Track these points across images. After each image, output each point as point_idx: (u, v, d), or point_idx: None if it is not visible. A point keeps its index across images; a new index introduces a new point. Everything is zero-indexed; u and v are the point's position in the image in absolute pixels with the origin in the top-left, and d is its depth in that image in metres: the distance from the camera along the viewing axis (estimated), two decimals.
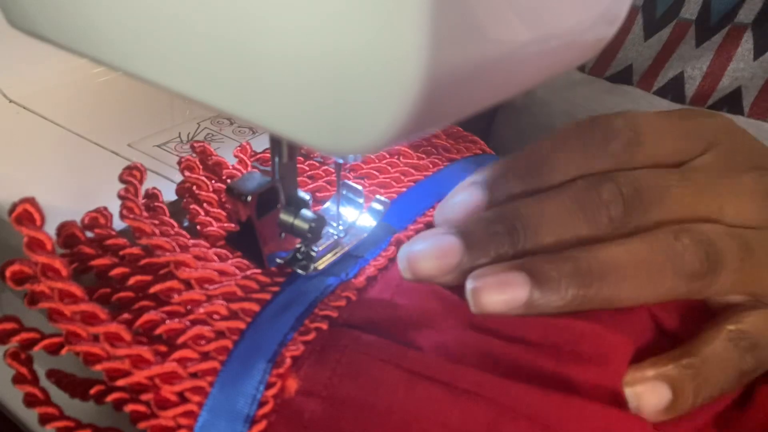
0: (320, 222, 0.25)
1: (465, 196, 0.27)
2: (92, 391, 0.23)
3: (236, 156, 0.33)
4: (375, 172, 0.33)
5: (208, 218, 0.28)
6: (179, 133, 0.40)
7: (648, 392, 0.23)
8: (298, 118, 0.17)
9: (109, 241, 0.26)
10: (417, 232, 0.29)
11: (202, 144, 0.32)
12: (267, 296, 0.25)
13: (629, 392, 0.23)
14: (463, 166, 0.34)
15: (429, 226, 0.29)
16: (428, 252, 0.25)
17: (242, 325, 0.23)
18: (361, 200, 0.28)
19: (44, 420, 0.23)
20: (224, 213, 0.29)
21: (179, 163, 0.31)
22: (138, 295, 0.24)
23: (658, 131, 0.28)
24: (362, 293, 0.26)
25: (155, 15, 0.18)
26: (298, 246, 0.27)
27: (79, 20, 0.21)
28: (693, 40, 0.47)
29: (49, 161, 0.36)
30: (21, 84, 0.42)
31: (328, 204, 0.30)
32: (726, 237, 0.25)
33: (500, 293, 0.23)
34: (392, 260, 0.27)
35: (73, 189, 0.34)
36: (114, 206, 0.28)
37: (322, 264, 0.26)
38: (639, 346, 0.24)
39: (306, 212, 0.25)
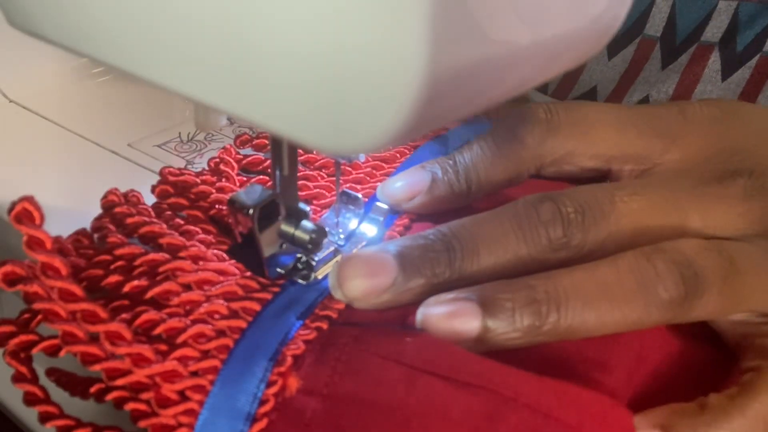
0: (320, 233, 0.26)
1: (413, 178, 0.28)
2: (92, 390, 0.23)
3: (221, 158, 0.32)
4: (349, 168, 0.33)
5: (194, 227, 0.28)
6: (179, 133, 0.40)
7: None
8: (298, 117, 0.17)
9: (99, 258, 0.26)
10: (405, 227, 0.29)
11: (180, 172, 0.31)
12: (268, 296, 0.25)
13: None
14: (430, 148, 0.34)
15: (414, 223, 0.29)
16: (359, 271, 0.23)
17: (243, 324, 0.23)
18: (360, 208, 0.28)
19: (44, 419, 0.23)
20: (209, 223, 0.28)
21: (153, 188, 0.30)
22: (136, 300, 0.24)
23: (602, 125, 0.27)
24: None
25: (155, 14, 0.18)
26: (298, 256, 0.27)
27: (79, 20, 0.21)
28: (658, 60, 0.45)
29: (49, 161, 0.36)
30: (21, 84, 0.42)
31: (327, 212, 0.30)
32: (706, 253, 0.23)
33: (450, 324, 0.22)
34: None
35: (73, 189, 0.34)
36: None
37: (322, 273, 0.26)
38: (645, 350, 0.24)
39: (306, 223, 0.26)
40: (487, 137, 0.29)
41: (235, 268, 0.26)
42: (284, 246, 0.26)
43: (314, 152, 0.33)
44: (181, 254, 0.25)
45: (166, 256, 0.25)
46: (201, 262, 0.25)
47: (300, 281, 0.26)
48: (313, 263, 0.26)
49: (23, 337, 0.24)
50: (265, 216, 0.25)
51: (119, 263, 0.25)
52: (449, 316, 0.22)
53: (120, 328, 0.22)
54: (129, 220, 0.27)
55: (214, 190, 0.30)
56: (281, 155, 0.25)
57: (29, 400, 0.23)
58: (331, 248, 0.27)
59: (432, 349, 0.22)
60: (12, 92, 0.41)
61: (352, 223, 0.29)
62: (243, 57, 0.17)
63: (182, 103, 0.43)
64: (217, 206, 0.29)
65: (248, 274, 0.26)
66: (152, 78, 0.20)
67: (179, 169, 0.31)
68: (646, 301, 0.22)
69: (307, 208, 0.27)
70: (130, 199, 0.29)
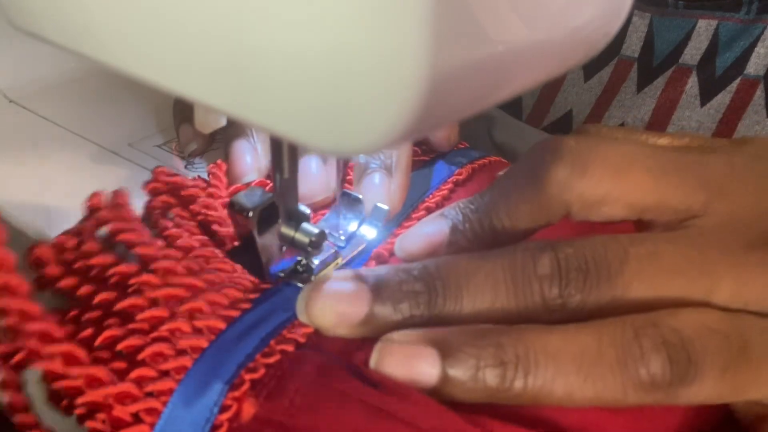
0: (321, 236, 0.26)
1: (431, 228, 0.25)
2: (62, 404, 0.22)
3: (211, 172, 0.31)
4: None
5: (179, 230, 0.27)
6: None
7: None
8: (298, 118, 0.17)
9: (77, 264, 0.25)
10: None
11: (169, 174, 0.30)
12: (236, 313, 0.24)
13: None
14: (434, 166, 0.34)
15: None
16: (330, 296, 0.22)
17: (204, 344, 0.22)
18: (361, 210, 0.28)
19: (22, 428, 0.23)
20: (196, 226, 0.28)
21: (145, 184, 0.29)
22: (108, 311, 0.24)
23: (639, 169, 0.23)
24: None
25: (155, 15, 0.18)
26: (298, 258, 0.27)
27: (79, 20, 0.21)
28: (634, 83, 0.43)
29: (49, 161, 0.36)
30: (21, 84, 0.42)
31: (327, 214, 0.30)
32: (709, 334, 0.20)
33: (404, 366, 0.20)
34: None
35: (73, 189, 0.34)
36: None
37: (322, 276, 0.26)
38: None
39: (307, 226, 0.26)
40: (509, 177, 0.25)
41: (206, 283, 0.24)
42: (284, 248, 0.26)
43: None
44: (153, 266, 0.24)
45: (135, 268, 0.24)
46: (172, 277, 0.24)
47: (300, 285, 0.26)
48: (313, 266, 0.26)
49: None
50: (265, 219, 0.25)
51: (95, 272, 0.25)
52: (405, 357, 0.21)
53: (73, 349, 0.21)
54: (108, 226, 0.26)
55: (203, 194, 0.29)
56: (281, 157, 0.25)
57: (10, 409, 0.23)
58: (332, 250, 0.27)
59: (398, 390, 0.21)
60: (12, 92, 0.41)
61: (353, 225, 0.29)
62: (243, 57, 0.17)
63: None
64: (204, 210, 0.28)
65: (220, 288, 0.24)
66: (152, 78, 0.20)
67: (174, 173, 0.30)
68: (623, 381, 0.20)
69: (308, 211, 0.27)
70: (116, 201, 0.28)
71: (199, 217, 0.28)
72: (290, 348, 0.23)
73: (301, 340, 0.23)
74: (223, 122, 0.36)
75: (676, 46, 0.42)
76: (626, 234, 0.22)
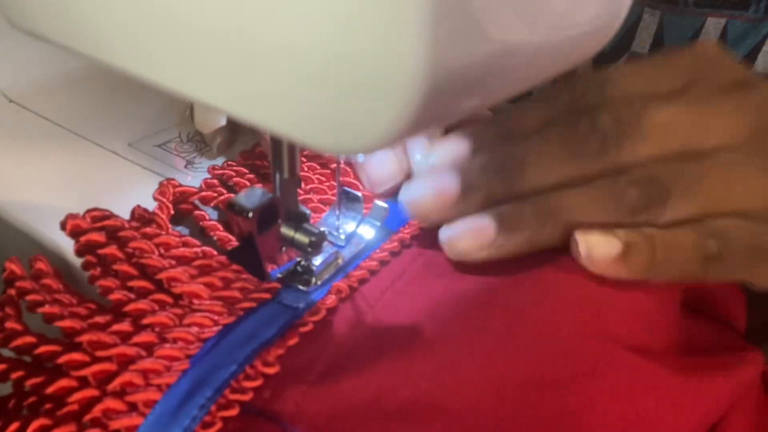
0: (320, 236, 0.26)
1: (451, 146, 0.29)
2: None
3: (156, 199, 0.30)
4: (348, 168, 0.32)
5: (113, 281, 0.25)
6: (179, 133, 0.40)
7: (599, 241, 0.25)
8: (298, 117, 0.17)
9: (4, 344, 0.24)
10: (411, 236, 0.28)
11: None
12: (172, 379, 0.22)
13: (580, 239, 0.25)
14: None
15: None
16: (428, 192, 0.27)
17: (138, 421, 0.21)
18: (361, 209, 0.28)
19: None
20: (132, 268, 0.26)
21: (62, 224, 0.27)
22: (39, 398, 0.23)
23: (624, 83, 0.28)
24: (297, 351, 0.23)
25: (154, 15, 0.18)
26: (297, 259, 0.27)
27: (78, 20, 0.21)
28: None
29: (49, 161, 0.36)
30: (21, 84, 0.42)
31: (327, 213, 0.30)
32: (669, 165, 0.26)
33: (470, 238, 0.26)
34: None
35: (73, 189, 0.34)
36: (112, 206, 0.28)
37: (321, 278, 0.26)
38: None
39: (307, 226, 0.26)
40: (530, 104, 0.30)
41: (141, 349, 0.23)
42: (284, 249, 0.26)
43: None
44: (77, 340, 0.23)
45: (58, 347, 0.23)
46: (99, 349, 0.23)
47: (300, 287, 0.26)
48: (313, 267, 0.26)
49: None
50: (265, 219, 0.25)
51: (20, 352, 0.23)
52: (469, 231, 0.26)
53: None
54: (27, 298, 0.24)
55: (138, 235, 0.27)
56: (281, 158, 0.25)
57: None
58: (332, 251, 0.27)
59: None
60: (12, 92, 0.41)
61: (352, 224, 0.29)
62: (243, 57, 0.17)
63: (182, 103, 0.43)
64: (137, 254, 0.26)
65: (157, 350, 0.23)
66: (152, 78, 0.20)
67: (102, 211, 0.28)
68: (617, 210, 0.26)
69: (307, 211, 0.27)
70: (37, 268, 0.25)
71: (133, 260, 0.26)
72: (234, 412, 0.21)
73: (246, 398, 0.22)
74: (223, 122, 0.36)
75: (686, 43, 0.42)
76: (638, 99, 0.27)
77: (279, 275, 0.26)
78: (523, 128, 0.28)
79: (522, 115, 0.29)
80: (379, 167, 0.30)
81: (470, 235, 0.26)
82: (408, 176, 0.31)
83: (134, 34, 0.19)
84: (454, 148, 0.29)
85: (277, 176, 0.25)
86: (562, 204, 0.26)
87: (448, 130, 0.30)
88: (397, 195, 0.30)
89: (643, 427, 0.22)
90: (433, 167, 0.29)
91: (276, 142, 0.25)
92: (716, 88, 0.28)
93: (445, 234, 0.27)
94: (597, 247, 0.25)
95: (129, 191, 0.31)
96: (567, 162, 0.27)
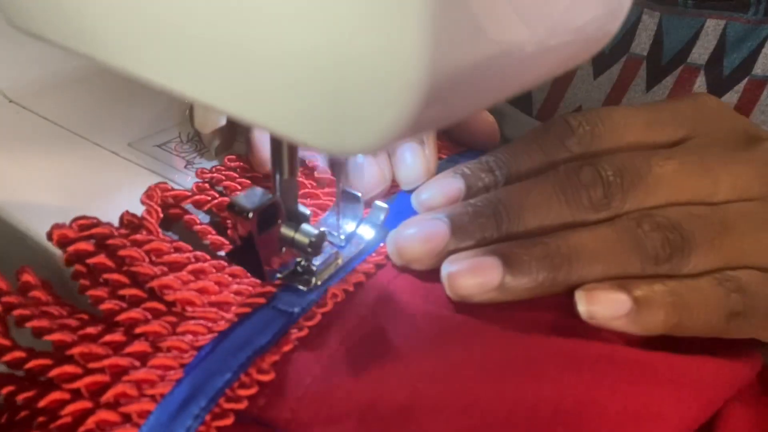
0: (320, 237, 0.26)
1: (446, 183, 0.28)
2: None
3: (144, 203, 0.29)
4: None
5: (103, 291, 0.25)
6: (179, 133, 0.40)
7: (604, 295, 0.24)
8: (298, 117, 0.17)
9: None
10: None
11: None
12: (166, 389, 0.22)
13: (580, 295, 0.24)
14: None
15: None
16: (416, 237, 0.26)
17: (134, 431, 0.21)
18: (360, 209, 0.28)
19: None
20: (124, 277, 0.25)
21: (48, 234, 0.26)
22: (32, 412, 0.22)
23: (621, 123, 0.28)
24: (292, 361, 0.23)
25: (154, 15, 0.18)
26: (298, 260, 0.27)
27: (78, 20, 0.21)
28: (643, 81, 0.44)
29: (49, 161, 0.36)
30: (21, 84, 0.42)
31: (327, 213, 0.30)
32: (694, 218, 0.25)
33: (474, 277, 0.24)
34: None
35: (72, 189, 0.34)
36: (112, 207, 0.28)
37: (321, 278, 0.26)
38: None
39: (306, 227, 0.26)
40: (524, 139, 0.29)
41: (133, 360, 0.23)
42: (284, 249, 0.26)
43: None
44: (69, 353, 0.22)
45: (48, 361, 0.22)
46: (92, 360, 0.22)
47: (301, 287, 0.26)
48: (314, 268, 0.26)
49: None
50: (265, 220, 0.25)
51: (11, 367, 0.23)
52: (473, 269, 0.24)
53: None
54: (15, 312, 0.24)
55: (128, 242, 0.26)
56: (281, 158, 0.25)
57: None
58: (332, 251, 0.27)
59: None
60: (12, 92, 0.41)
61: (352, 224, 0.29)
62: (243, 57, 0.17)
63: (182, 103, 0.43)
64: (128, 262, 0.26)
65: (151, 361, 0.23)
66: (152, 78, 0.20)
67: (90, 219, 0.27)
68: (639, 259, 0.25)
69: (308, 212, 0.27)
70: (24, 282, 0.25)
71: (124, 268, 0.26)
72: (228, 421, 0.21)
73: (241, 406, 0.22)
74: (223, 122, 0.36)
75: (685, 45, 0.43)
76: (641, 151, 0.27)
77: (279, 276, 0.26)
78: (518, 172, 0.28)
79: (517, 158, 0.28)
80: (361, 177, 0.30)
81: (474, 273, 0.24)
82: (390, 184, 0.31)
83: (134, 33, 0.19)
84: (446, 186, 0.28)
85: (277, 176, 0.25)
86: (573, 244, 0.25)
87: (448, 131, 0.30)
88: (394, 196, 0.30)
89: (641, 424, 0.22)
90: (423, 203, 0.29)
91: (276, 142, 0.25)
92: (721, 141, 0.27)
93: (446, 270, 0.25)
94: (601, 308, 0.24)
95: (129, 191, 0.31)
96: (566, 208, 0.26)
